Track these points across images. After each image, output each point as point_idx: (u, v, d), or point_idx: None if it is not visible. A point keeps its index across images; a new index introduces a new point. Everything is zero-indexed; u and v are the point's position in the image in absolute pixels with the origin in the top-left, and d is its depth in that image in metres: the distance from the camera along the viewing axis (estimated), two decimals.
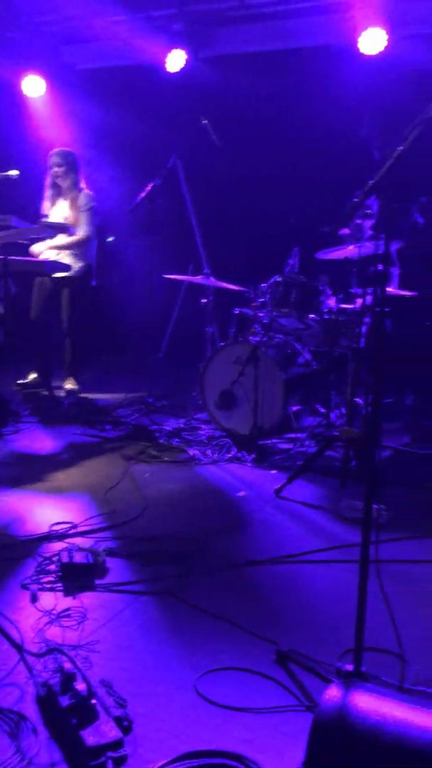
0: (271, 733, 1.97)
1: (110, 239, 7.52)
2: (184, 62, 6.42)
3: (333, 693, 1.55)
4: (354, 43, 5.69)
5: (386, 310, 2.79)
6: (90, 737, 1.78)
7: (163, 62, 6.46)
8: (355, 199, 1.79)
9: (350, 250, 4.52)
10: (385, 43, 5.58)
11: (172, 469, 4.22)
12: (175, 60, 6.45)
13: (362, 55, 5.71)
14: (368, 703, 1.51)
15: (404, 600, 2.71)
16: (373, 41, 5.64)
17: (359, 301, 4.37)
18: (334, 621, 2.55)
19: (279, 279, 4.81)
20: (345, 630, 2.22)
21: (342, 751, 1.46)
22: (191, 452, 4.48)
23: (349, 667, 1.98)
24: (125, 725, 1.91)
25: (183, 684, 2.16)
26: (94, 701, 1.89)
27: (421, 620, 2.58)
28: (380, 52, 5.64)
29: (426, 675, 2.22)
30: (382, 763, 1.43)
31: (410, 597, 2.74)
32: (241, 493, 3.86)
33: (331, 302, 4.76)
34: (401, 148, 1.80)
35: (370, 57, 5.70)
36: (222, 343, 4.98)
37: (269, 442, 4.71)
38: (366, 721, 1.48)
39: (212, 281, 5.20)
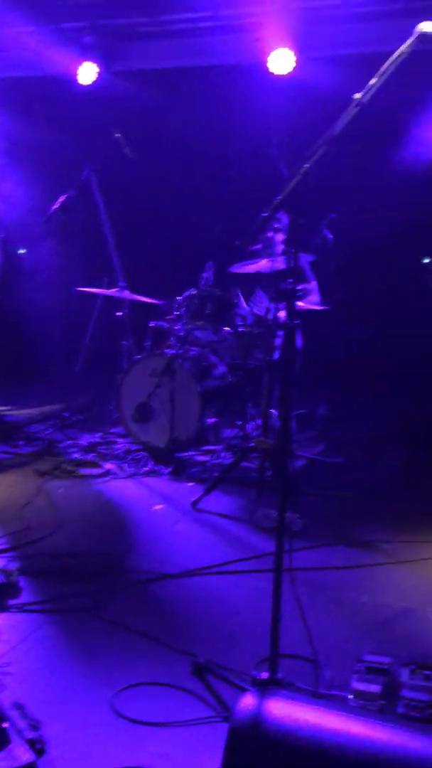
0: (189, 746, 1.97)
1: (22, 251, 7.37)
2: (95, 75, 6.39)
3: (247, 701, 1.56)
4: (264, 62, 5.81)
5: (296, 322, 2.89)
6: (1, 762, 1.73)
7: (75, 74, 6.42)
8: (264, 215, 1.83)
9: (262, 264, 4.60)
10: (294, 65, 5.73)
11: (87, 485, 4.16)
12: (87, 73, 6.41)
13: (272, 74, 5.84)
14: (282, 710, 1.53)
15: (319, 606, 2.76)
16: (281, 62, 5.78)
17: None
18: (251, 630, 2.56)
19: (194, 292, 4.84)
20: (262, 639, 2.24)
21: (257, 758, 1.47)
22: (107, 466, 4.44)
23: (265, 675, 2.00)
24: (38, 748, 1.87)
25: (98, 702, 2.13)
26: (5, 725, 1.83)
27: (334, 626, 2.64)
28: (289, 73, 5.78)
29: (340, 679, 2.27)
30: (297, 766, 1.45)
31: (324, 603, 2.80)
32: (158, 507, 3.85)
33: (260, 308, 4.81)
34: (307, 165, 1.86)
35: (280, 77, 5.84)
36: (138, 356, 4.96)
37: (186, 454, 4.72)
38: (280, 727, 1.50)
39: (127, 294, 5.18)
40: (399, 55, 1.90)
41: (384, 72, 1.89)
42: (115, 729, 2.02)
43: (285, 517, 3.56)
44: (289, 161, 4.45)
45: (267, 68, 5.83)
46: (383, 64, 1.93)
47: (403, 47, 1.91)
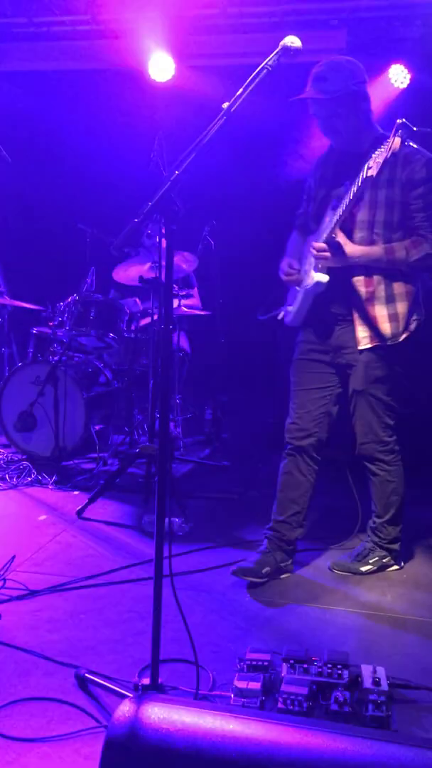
0: (72, 759, 1.93)
1: None
2: None
3: (124, 709, 1.55)
4: (144, 69, 5.83)
5: (171, 327, 2.88)
6: None
7: None
8: (135, 220, 1.84)
9: (145, 269, 4.60)
10: (173, 72, 5.78)
11: None
12: None
13: (152, 81, 5.87)
14: (159, 714, 1.54)
15: (203, 609, 2.79)
16: (161, 69, 5.82)
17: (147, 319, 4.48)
18: (136, 637, 2.56)
19: (77, 298, 4.77)
20: (148, 645, 2.24)
21: (135, 764, 1.47)
22: None
23: (146, 681, 1.99)
24: None
25: None
26: None
27: (219, 627, 2.67)
28: (169, 80, 5.82)
29: (222, 679, 2.30)
30: None
31: (209, 605, 2.83)
32: (43, 517, 3.77)
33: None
34: (177, 172, 1.88)
35: (160, 84, 5.87)
36: (20, 363, 4.83)
37: (72, 462, 4.64)
38: (158, 732, 1.50)
39: (6, 300, 5.04)
40: (263, 68, 1.96)
41: (249, 83, 1.94)
42: None
43: (169, 522, 3.60)
44: (171, 167, 4.48)
45: (147, 74, 5.85)
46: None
47: (268, 60, 1.97)
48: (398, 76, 5.42)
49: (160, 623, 2.00)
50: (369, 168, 2.53)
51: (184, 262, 4.80)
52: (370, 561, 3.11)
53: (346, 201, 2.66)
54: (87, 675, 2.26)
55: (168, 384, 1.93)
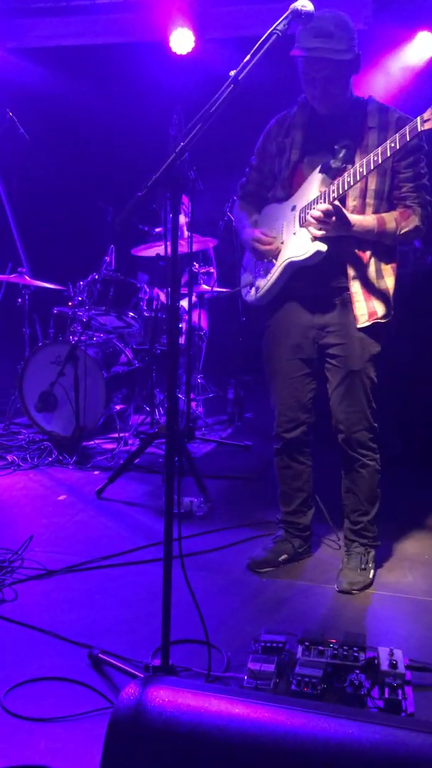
0: (81, 739, 1.93)
1: None
2: None
3: (129, 691, 1.53)
4: (163, 42, 5.73)
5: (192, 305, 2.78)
6: None
7: None
8: (139, 194, 1.78)
9: (161, 248, 4.54)
10: (193, 44, 5.68)
11: None
12: None
13: (172, 54, 5.77)
14: (164, 697, 1.51)
15: (220, 589, 2.77)
16: (182, 41, 5.72)
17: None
18: (150, 618, 2.54)
19: (96, 277, 4.74)
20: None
21: (137, 747, 1.45)
22: (10, 458, 4.31)
23: (157, 662, 1.98)
24: None
25: None
26: None
27: (235, 608, 2.64)
28: (189, 53, 5.73)
29: (237, 661, 2.27)
30: (178, 753, 1.43)
31: (226, 586, 2.81)
32: (62, 497, 3.77)
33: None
34: (183, 144, 1.82)
35: (180, 57, 5.78)
36: (40, 343, 4.82)
37: (93, 443, 4.64)
38: (162, 715, 1.48)
39: (26, 279, 5.02)
40: (273, 33, 1.88)
41: (258, 50, 1.87)
42: (4, 727, 1.96)
43: (186, 503, 3.58)
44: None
45: (167, 48, 5.76)
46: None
47: (277, 24, 1.89)
48: (425, 44, 5.26)
49: (170, 604, 1.97)
50: (393, 142, 2.38)
51: (198, 241, 4.72)
52: (370, 565, 2.87)
53: (360, 169, 2.45)
54: (100, 655, 2.25)
55: (176, 361, 1.89)
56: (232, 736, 1.44)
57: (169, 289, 1.88)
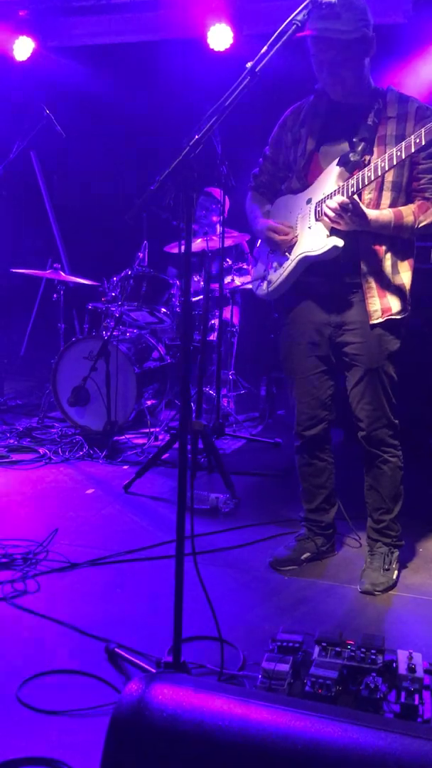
0: (93, 733, 1.93)
1: None
2: (31, 51, 6.23)
3: (133, 687, 1.52)
4: (201, 38, 5.73)
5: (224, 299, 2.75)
6: None
7: (9, 50, 6.23)
8: (151, 188, 1.77)
9: (197, 244, 4.54)
10: (231, 41, 5.66)
11: (19, 470, 4.08)
12: (22, 48, 6.24)
13: (210, 50, 5.76)
14: (168, 695, 1.50)
15: (238, 585, 2.75)
16: (220, 38, 5.71)
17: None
18: (169, 613, 2.52)
19: (129, 272, 4.76)
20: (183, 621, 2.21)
21: (137, 745, 1.44)
22: (42, 451, 4.36)
23: (169, 659, 1.97)
24: None
25: (3, 692, 2.08)
26: None
27: (252, 606, 2.62)
28: (227, 49, 5.71)
29: (253, 659, 2.26)
30: (178, 752, 1.42)
31: (247, 583, 2.79)
32: (90, 491, 3.80)
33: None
34: (197, 136, 1.80)
35: (218, 53, 5.76)
36: (73, 339, 4.87)
37: (124, 437, 4.67)
38: (164, 712, 1.47)
39: (62, 275, 5.07)
40: (291, 23, 1.85)
41: (276, 41, 1.84)
42: (18, 719, 1.98)
43: (212, 499, 3.56)
44: (224, 139, 4.38)
45: (205, 44, 5.76)
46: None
47: (295, 14, 1.86)
48: None
49: (182, 600, 1.96)
50: (417, 137, 2.32)
51: (231, 237, 4.70)
52: (393, 566, 2.82)
53: (381, 164, 2.39)
54: (116, 649, 2.26)
55: (188, 358, 1.88)
56: (233, 736, 1.42)
57: (183, 285, 1.87)
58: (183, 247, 1.77)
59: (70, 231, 6.64)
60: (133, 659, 2.19)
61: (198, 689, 1.54)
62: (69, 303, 5.38)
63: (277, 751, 1.38)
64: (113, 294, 4.80)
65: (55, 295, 5.15)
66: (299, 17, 1.86)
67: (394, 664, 2.11)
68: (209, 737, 1.43)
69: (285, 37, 1.84)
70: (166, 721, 1.46)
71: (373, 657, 2.14)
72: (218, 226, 4.71)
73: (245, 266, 5.11)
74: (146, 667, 2.14)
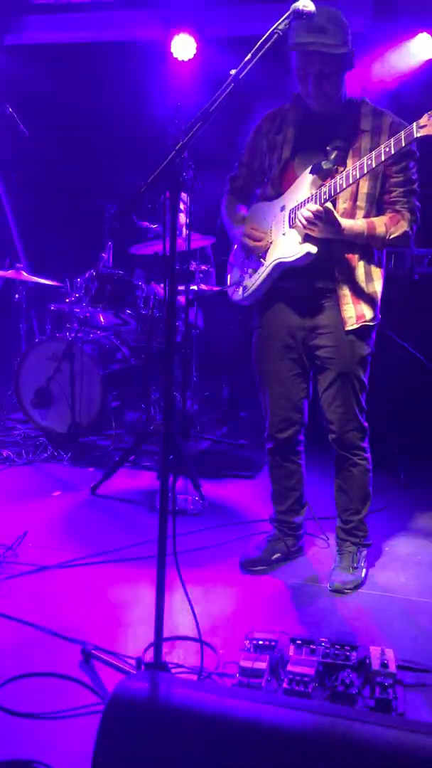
0: (73, 735, 1.93)
1: None
2: None
3: (122, 686, 1.54)
4: (164, 41, 5.73)
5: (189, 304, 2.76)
6: None
7: None
8: (137, 191, 1.79)
9: (159, 245, 4.54)
10: (194, 51, 5.68)
11: None
12: None
13: (172, 54, 5.77)
14: (156, 693, 1.52)
15: (212, 586, 2.77)
16: (183, 47, 5.72)
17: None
18: (144, 615, 2.54)
19: (93, 273, 4.74)
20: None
21: (128, 741, 1.46)
22: (5, 453, 4.31)
23: (150, 659, 1.98)
24: None
25: None
26: None
27: (228, 606, 2.65)
28: (190, 59, 5.73)
29: (228, 658, 2.28)
30: (166, 748, 1.45)
31: (216, 583, 2.81)
32: (57, 493, 3.77)
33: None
34: (182, 142, 1.83)
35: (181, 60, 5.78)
36: (36, 339, 4.82)
37: (88, 439, 4.64)
38: (152, 710, 1.49)
39: (24, 276, 5.01)
40: (273, 32, 1.89)
41: (258, 50, 1.87)
42: None
43: (180, 500, 3.58)
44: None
45: (167, 47, 5.76)
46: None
47: (278, 24, 1.89)
48: (423, 46, 5.25)
49: (163, 601, 1.98)
50: (387, 147, 2.38)
51: (196, 239, 4.72)
52: (362, 564, 2.87)
53: (353, 173, 2.45)
54: (93, 651, 2.26)
55: (171, 359, 1.89)
56: (218, 732, 1.46)
57: (168, 286, 1.88)
58: (167, 249, 1.79)
59: (31, 231, 6.56)
60: (111, 660, 2.19)
61: (184, 687, 1.58)
62: (29, 304, 5.32)
63: (261, 742, 1.41)
64: (77, 295, 4.77)
65: (16, 296, 5.09)
66: (281, 27, 1.90)
67: (368, 661, 2.16)
68: (194, 732, 1.46)
69: (267, 46, 1.87)
70: (154, 717, 1.49)
71: (347, 654, 2.19)
72: (184, 229, 4.73)
73: (208, 268, 5.13)
74: (125, 668, 2.14)
